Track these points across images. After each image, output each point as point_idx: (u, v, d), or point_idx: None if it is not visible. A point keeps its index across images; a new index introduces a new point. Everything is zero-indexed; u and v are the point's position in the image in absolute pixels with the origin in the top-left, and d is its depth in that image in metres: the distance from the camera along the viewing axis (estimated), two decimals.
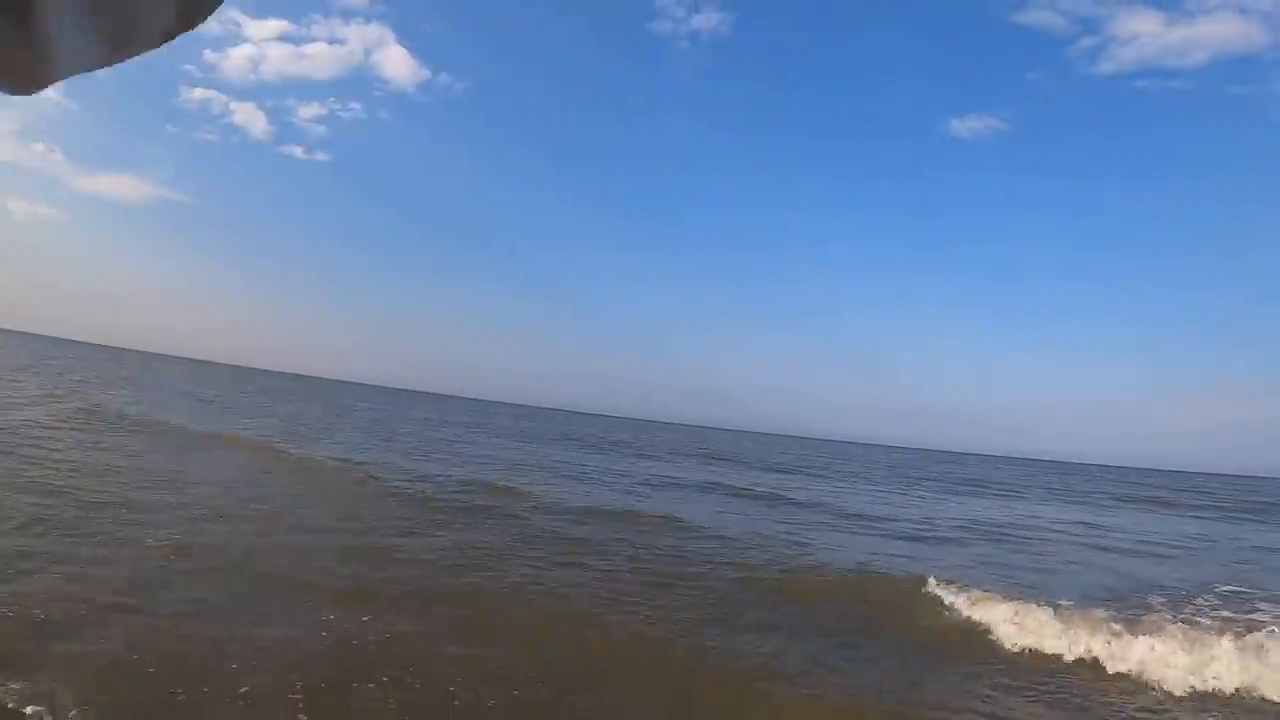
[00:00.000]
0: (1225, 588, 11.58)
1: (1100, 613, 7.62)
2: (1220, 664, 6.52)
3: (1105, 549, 15.38)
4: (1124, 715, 5.97)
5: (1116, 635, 6.94)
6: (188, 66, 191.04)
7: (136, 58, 0.52)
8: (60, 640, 4.99)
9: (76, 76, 0.47)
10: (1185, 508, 29.94)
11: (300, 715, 4.48)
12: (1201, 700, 6.35)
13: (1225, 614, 9.11)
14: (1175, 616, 8.24)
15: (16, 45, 0.41)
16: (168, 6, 0.50)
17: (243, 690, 4.65)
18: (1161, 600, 10.09)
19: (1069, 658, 6.96)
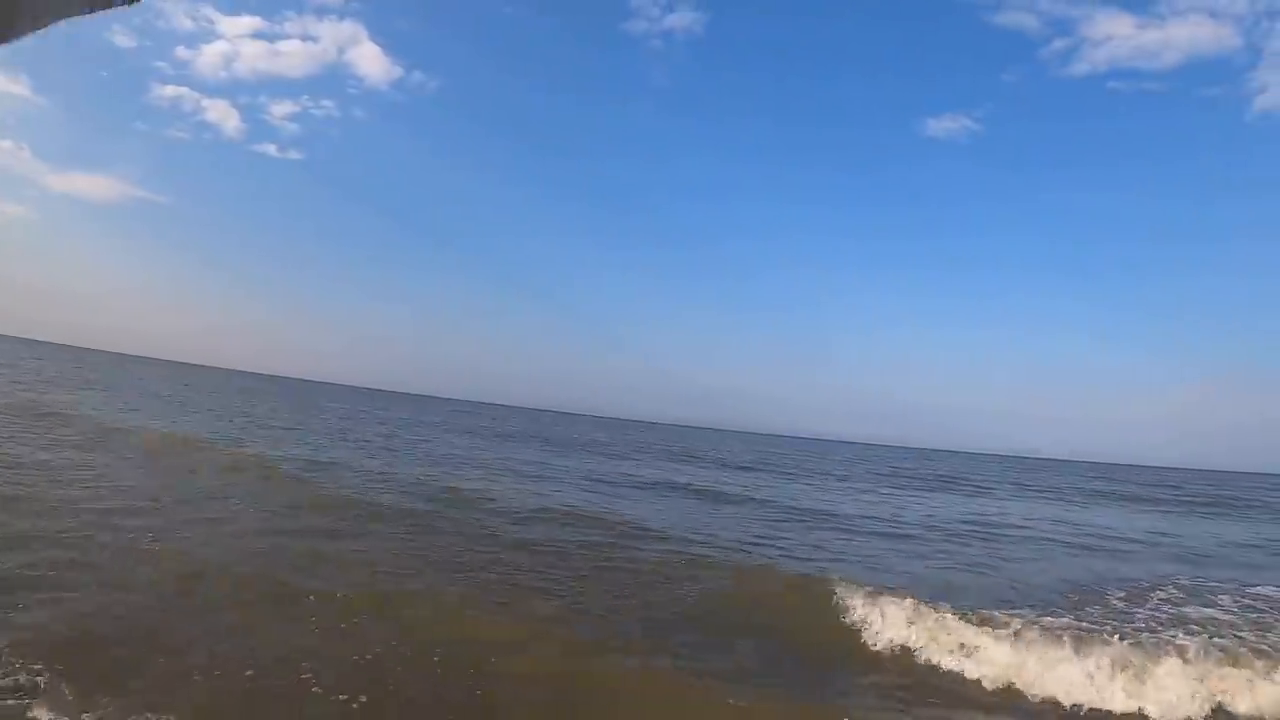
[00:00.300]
0: (1185, 580, 11.30)
1: (1001, 615, 7.55)
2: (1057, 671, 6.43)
3: (1068, 545, 15.10)
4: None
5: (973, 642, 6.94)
6: (159, 63, 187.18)
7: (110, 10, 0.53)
8: None
9: (44, 28, 0.53)
10: (1156, 503, 29.86)
11: None
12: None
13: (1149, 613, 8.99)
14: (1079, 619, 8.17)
15: None
16: None
17: None
18: (1120, 596, 9.84)
19: (929, 658, 6.90)
